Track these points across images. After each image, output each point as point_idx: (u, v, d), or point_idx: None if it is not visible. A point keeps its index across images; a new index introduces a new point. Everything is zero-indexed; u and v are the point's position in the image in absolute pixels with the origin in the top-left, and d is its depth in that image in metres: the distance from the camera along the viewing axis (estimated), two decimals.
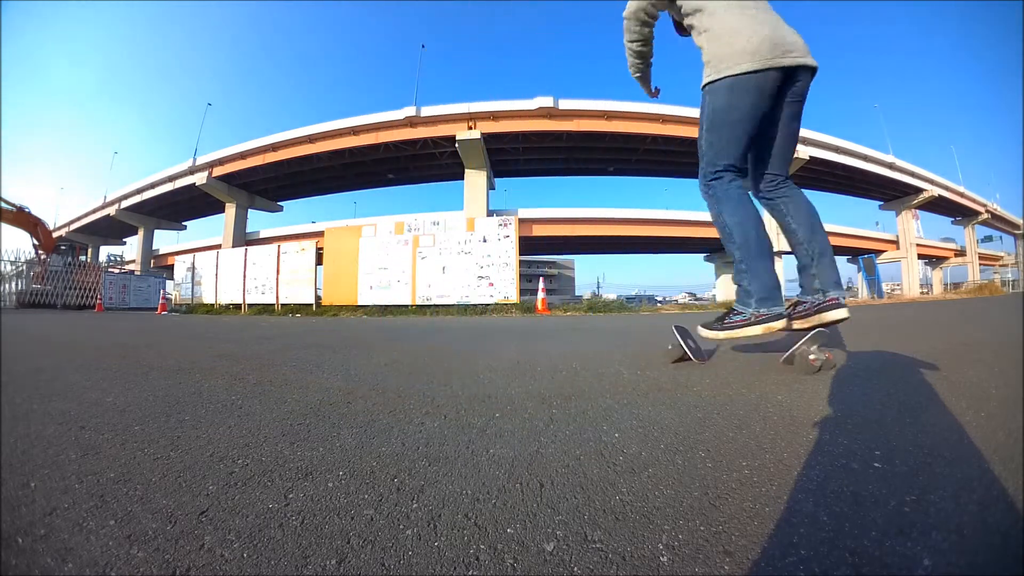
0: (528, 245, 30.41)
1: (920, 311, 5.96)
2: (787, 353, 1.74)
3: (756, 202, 1.93)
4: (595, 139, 24.41)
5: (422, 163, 27.74)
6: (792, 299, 1.91)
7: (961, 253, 40.90)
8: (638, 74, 2.25)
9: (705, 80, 1.84)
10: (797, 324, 1.81)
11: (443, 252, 9.94)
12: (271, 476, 0.92)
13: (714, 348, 2.39)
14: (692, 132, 23.35)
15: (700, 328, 1.97)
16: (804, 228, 1.85)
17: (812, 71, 1.79)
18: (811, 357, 1.63)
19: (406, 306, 9.84)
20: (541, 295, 8.88)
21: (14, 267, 17.73)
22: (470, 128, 22.09)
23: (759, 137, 1.89)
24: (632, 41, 2.08)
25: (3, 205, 17.61)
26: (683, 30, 2.08)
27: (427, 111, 22.54)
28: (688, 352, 1.96)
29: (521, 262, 9.89)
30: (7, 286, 17.52)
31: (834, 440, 1.05)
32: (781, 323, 1.75)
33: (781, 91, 1.79)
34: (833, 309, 1.72)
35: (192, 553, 0.66)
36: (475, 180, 24.04)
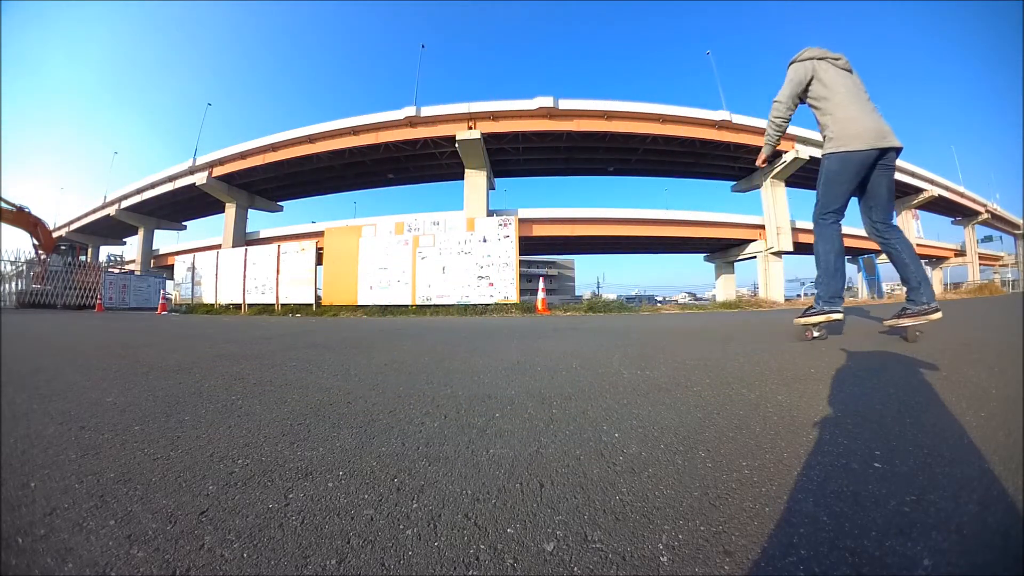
0: (528, 245, 30.37)
1: None
2: (902, 329, 2.61)
3: (838, 236, 2.76)
4: (595, 139, 24.36)
5: (422, 163, 27.69)
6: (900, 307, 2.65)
7: (961, 253, 40.88)
8: (770, 144, 3.03)
9: (825, 150, 2.66)
10: (908, 321, 2.53)
11: (443, 252, 9.93)
12: (271, 476, 0.92)
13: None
14: (692, 132, 23.37)
15: (795, 320, 2.86)
16: (911, 261, 2.57)
17: (898, 150, 2.56)
18: (917, 332, 2.53)
19: (406, 306, 9.83)
20: (541, 295, 8.88)
21: (14, 267, 17.72)
22: (470, 128, 22.04)
23: (870, 194, 2.65)
24: (777, 118, 2.88)
25: (3, 205, 17.62)
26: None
27: (427, 111, 22.50)
28: (821, 321, 2.74)
29: (521, 262, 9.88)
30: (7, 286, 17.50)
31: (834, 440, 1.05)
32: (838, 316, 2.69)
33: (876, 162, 2.55)
34: (935, 312, 2.48)
35: (192, 553, 0.66)
36: (475, 180, 24.00)
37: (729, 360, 2.16)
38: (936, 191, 31.86)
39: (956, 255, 41.30)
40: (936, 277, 41.98)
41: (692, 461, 0.96)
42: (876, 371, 1.81)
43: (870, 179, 2.61)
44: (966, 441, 1.03)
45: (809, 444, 1.03)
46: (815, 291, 2.81)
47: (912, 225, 34.39)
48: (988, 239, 45.35)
